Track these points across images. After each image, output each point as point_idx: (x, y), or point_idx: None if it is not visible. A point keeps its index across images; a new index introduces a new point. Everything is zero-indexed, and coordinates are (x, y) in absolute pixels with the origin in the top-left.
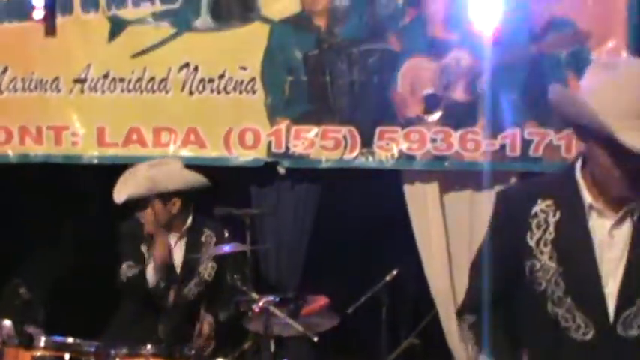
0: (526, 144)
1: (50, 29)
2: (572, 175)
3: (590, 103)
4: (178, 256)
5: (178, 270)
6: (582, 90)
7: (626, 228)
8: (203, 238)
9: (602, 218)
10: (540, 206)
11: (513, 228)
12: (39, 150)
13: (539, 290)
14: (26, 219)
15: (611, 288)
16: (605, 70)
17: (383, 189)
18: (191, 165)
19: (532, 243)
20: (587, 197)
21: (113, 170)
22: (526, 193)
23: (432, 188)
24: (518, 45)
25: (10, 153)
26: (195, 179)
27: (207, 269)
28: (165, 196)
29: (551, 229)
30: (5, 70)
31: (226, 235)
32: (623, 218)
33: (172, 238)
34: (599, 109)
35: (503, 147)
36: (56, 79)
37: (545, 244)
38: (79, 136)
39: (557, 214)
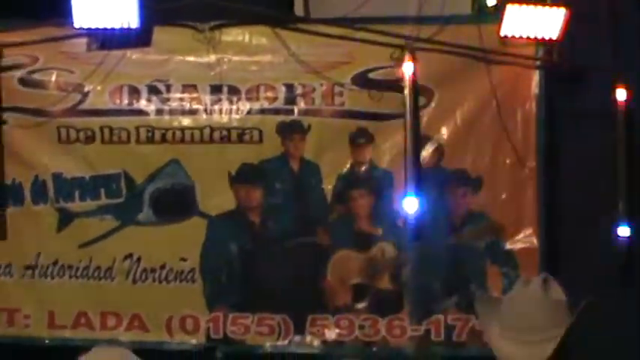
0: (449, 329)
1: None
2: None
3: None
4: None
5: None
6: None
7: None
8: None
9: None
10: None
11: None
12: None
13: None
14: None
15: None
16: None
17: None
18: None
19: None
20: None
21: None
22: None
23: None
24: (438, 237)
25: None
26: None
27: None
28: None
29: None
30: None
31: None
32: None
33: None
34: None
35: (427, 332)
36: (8, 265)
37: None
38: (30, 318)
39: None
